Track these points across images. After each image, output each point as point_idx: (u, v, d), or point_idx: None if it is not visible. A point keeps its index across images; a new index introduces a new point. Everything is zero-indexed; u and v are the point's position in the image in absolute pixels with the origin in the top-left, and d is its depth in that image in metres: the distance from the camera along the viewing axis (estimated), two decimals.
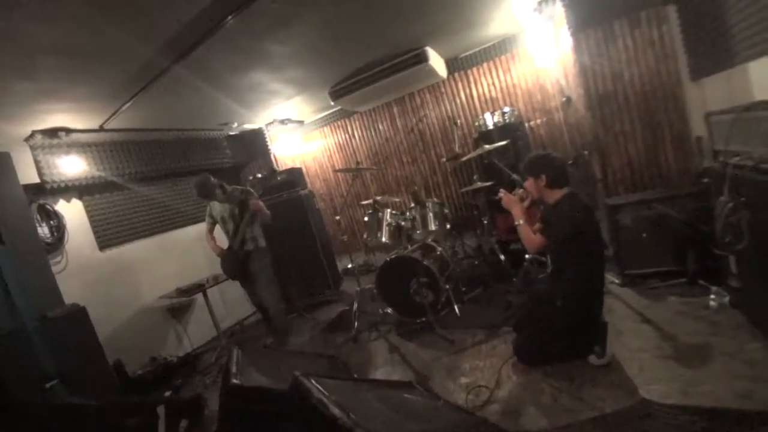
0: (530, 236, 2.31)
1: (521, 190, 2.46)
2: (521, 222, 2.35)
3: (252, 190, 3.45)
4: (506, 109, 4.15)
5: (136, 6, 1.97)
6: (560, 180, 2.27)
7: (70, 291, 3.21)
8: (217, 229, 3.69)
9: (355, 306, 3.64)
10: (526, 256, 3.36)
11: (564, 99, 3.88)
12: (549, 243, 2.26)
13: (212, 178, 3.47)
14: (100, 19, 1.98)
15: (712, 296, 2.48)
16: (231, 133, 5.27)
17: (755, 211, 1.91)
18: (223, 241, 3.66)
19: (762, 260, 1.94)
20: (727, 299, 2.40)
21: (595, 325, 2.22)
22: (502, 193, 2.51)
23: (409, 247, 3.57)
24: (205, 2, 2.10)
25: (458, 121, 4.78)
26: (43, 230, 3.42)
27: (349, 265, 4.18)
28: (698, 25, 2.72)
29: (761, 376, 1.78)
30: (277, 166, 5.72)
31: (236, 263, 3.48)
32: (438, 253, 3.52)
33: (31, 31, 1.92)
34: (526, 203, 2.43)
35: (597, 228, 2.28)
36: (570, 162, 3.41)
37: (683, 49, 2.98)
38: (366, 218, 3.74)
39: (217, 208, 3.57)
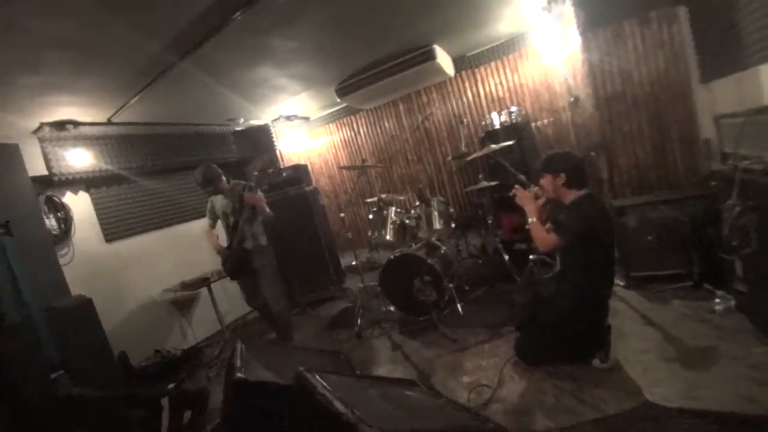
0: (543, 235, 2.25)
1: (536, 188, 2.40)
2: (534, 220, 2.30)
3: (254, 185, 3.27)
4: (513, 108, 4.14)
5: (144, 2, 1.97)
6: (579, 180, 2.22)
7: (77, 282, 3.24)
8: (220, 226, 3.57)
9: (358, 303, 3.65)
10: (531, 256, 3.36)
11: (572, 99, 3.86)
12: (562, 242, 2.19)
13: (216, 167, 3.32)
14: (106, 15, 1.99)
15: (718, 300, 2.47)
16: (237, 129, 5.29)
17: (763, 215, 1.90)
18: (224, 238, 3.55)
19: None
20: (732, 303, 2.39)
21: (598, 329, 2.21)
22: (516, 189, 2.46)
23: (414, 245, 3.57)
24: None
25: (464, 119, 4.77)
26: (51, 222, 3.45)
27: (353, 262, 4.18)
28: (709, 27, 2.70)
29: (766, 381, 1.77)
30: (283, 163, 5.74)
31: (237, 262, 3.32)
32: (442, 251, 3.52)
33: (38, 26, 1.93)
34: (540, 201, 2.37)
35: (611, 233, 2.24)
36: None
37: (693, 50, 2.96)
38: (370, 216, 3.74)
39: (218, 202, 3.44)
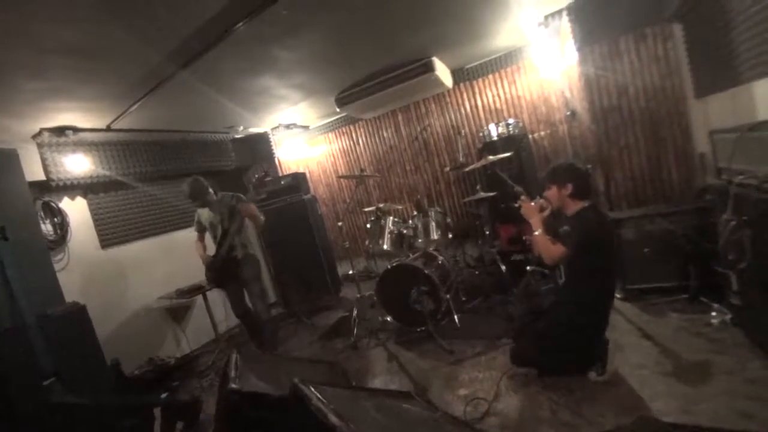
0: (550, 247, 2.22)
1: (541, 200, 2.38)
2: (540, 232, 2.27)
3: (243, 196, 3.34)
4: (511, 120, 4.17)
5: (148, 11, 2.00)
6: (585, 191, 2.23)
7: (71, 289, 3.22)
8: (207, 236, 3.59)
9: (355, 312, 3.63)
10: (528, 267, 3.37)
11: (569, 112, 3.90)
12: (569, 253, 2.15)
13: (204, 180, 3.39)
14: (111, 23, 2.01)
15: (714, 314, 2.48)
16: (236, 137, 5.31)
17: (758, 230, 1.91)
18: (212, 249, 3.53)
19: (764, 279, 1.93)
20: (728, 317, 2.39)
21: (598, 342, 2.21)
22: (522, 200, 2.43)
23: (411, 255, 3.57)
24: (216, 9, 2.13)
25: (462, 131, 4.80)
26: (47, 227, 3.44)
27: (350, 271, 4.17)
28: (704, 43, 2.75)
29: (762, 396, 1.78)
30: (281, 171, 5.75)
31: (223, 270, 3.38)
32: (439, 261, 3.52)
33: (42, 31, 1.94)
34: (545, 213, 2.35)
35: (614, 244, 2.24)
36: None
37: (688, 66, 3.00)
38: (368, 225, 3.75)
39: (205, 214, 3.49)
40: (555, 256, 2.20)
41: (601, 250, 2.13)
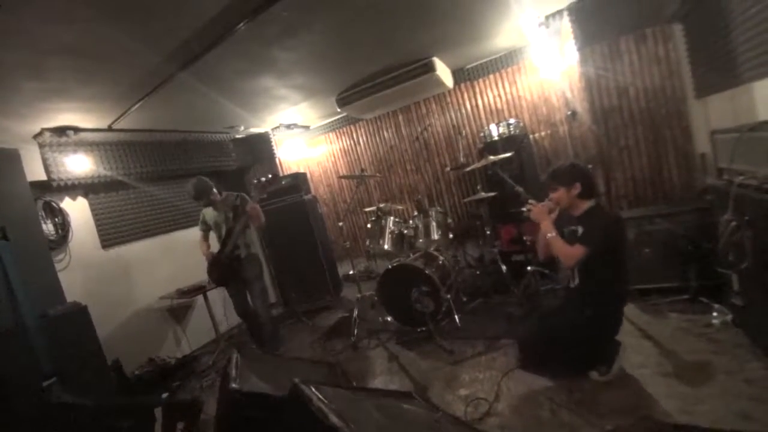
0: (567, 248, 2.17)
1: (549, 202, 2.34)
2: (553, 235, 2.23)
3: (247, 196, 3.37)
4: (512, 120, 4.17)
5: (148, 12, 2.00)
6: (592, 190, 2.23)
7: (72, 289, 3.23)
8: (211, 235, 3.61)
9: (355, 313, 3.63)
10: (528, 267, 3.36)
11: (569, 113, 3.90)
12: (589, 252, 2.09)
13: (208, 180, 3.42)
14: (111, 23, 2.01)
15: (715, 314, 2.48)
16: (237, 137, 5.31)
17: (759, 230, 1.91)
18: (216, 248, 3.53)
19: (765, 280, 1.93)
20: (729, 317, 2.39)
21: (612, 342, 2.21)
22: (531, 204, 2.39)
23: (411, 255, 3.57)
24: (216, 10, 2.13)
25: (463, 131, 4.80)
26: (48, 227, 3.45)
27: (351, 272, 4.18)
28: (704, 44, 2.74)
29: (762, 397, 1.78)
30: (282, 171, 5.75)
31: (226, 269, 3.40)
32: (440, 262, 3.52)
33: (43, 32, 1.94)
34: (553, 215, 2.32)
35: (626, 240, 2.24)
36: None
37: (688, 66, 3.00)
38: (369, 225, 3.75)
39: (209, 213, 3.53)
40: (575, 257, 2.13)
41: (617, 247, 2.13)
